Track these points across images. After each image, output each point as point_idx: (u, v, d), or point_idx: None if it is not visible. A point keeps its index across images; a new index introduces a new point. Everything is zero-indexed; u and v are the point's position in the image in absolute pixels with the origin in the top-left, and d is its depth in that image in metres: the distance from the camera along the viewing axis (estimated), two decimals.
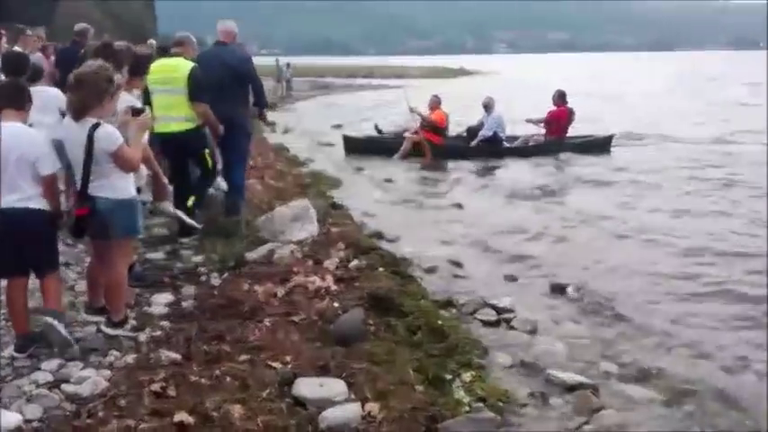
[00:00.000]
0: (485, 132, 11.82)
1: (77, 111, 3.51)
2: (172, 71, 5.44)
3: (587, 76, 44.89)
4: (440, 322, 3.99)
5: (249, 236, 5.68)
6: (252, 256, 5.21)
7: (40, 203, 3.45)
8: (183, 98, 5.39)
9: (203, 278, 4.90)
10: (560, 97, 12.28)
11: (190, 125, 5.46)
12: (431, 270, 5.50)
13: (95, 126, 3.47)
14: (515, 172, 10.76)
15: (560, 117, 12.17)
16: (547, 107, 12.52)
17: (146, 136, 4.33)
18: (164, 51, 6.34)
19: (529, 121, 12.54)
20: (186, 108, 5.42)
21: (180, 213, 5.40)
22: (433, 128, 11.62)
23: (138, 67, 4.80)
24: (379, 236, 6.41)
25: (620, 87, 32.17)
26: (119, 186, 3.60)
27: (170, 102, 5.42)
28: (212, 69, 5.70)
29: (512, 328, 4.35)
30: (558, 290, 5.12)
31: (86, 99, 3.49)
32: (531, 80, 38.01)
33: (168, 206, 5.32)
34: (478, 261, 5.96)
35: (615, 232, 6.95)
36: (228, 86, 5.95)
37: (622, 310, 4.71)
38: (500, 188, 9.54)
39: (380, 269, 4.98)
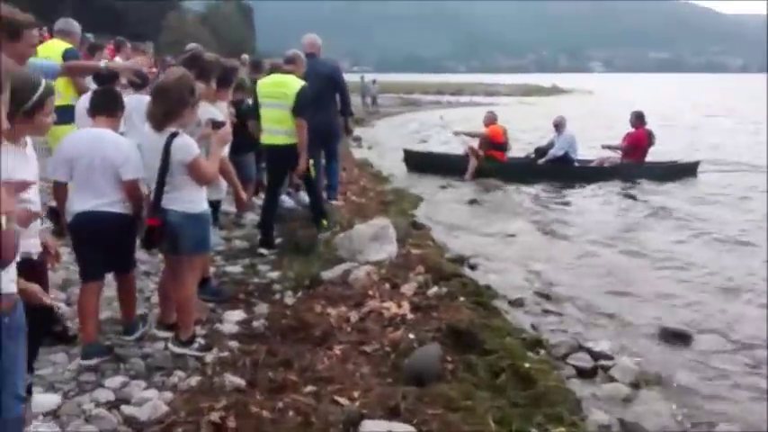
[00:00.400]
0: (555, 152, 11.26)
1: (158, 120, 3.44)
2: (283, 87, 5.67)
3: (683, 97, 42.28)
4: (527, 365, 3.56)
5: (326, 254, 5.49)
6: (327, 275, 5.00)
7: (122, 208, 3.49)
8: (288, 114, 5.62)
9: (277, 296, 4.74)
10: (638, 119, 11.52)
11: (292, 140, 5.66)
12: (517, 303, 5.06)
13: (173, 135, 3.39)
14: (596, 197, 10.10)
15: (640, 140, 11.36)
16: (626, 129, 11.76)
17: (226, 149, 4.24)
18: (257, 67, 6.86)
19: (606, 147, 11.77)
20: (291, 123, 5.63)
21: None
22: (493, 145, 11.22)
23: (226, 79, 4.75)
24: (461, 260, 6.04)
25: (713, 110, 29.92)
26: (191, 199, 3.49)
27: (278, 116, 5.67)
28: (309, 80, 5.95)
29: (610, 378, 3.84)
30: (670, 336, 4.53)
31: (167, 108, 3.43)
32: (626, 100, 36.27)
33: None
34: (571, 296, 5.44)
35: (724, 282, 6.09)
36: (324, 95, 6.58)
37: (746, 366, 4.08)
38: (587, 215, 8.90)
39: (462, 299, 4.61)
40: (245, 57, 14.77)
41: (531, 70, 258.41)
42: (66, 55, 5.33)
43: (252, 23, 76.37)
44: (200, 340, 3.74)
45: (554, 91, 53.25)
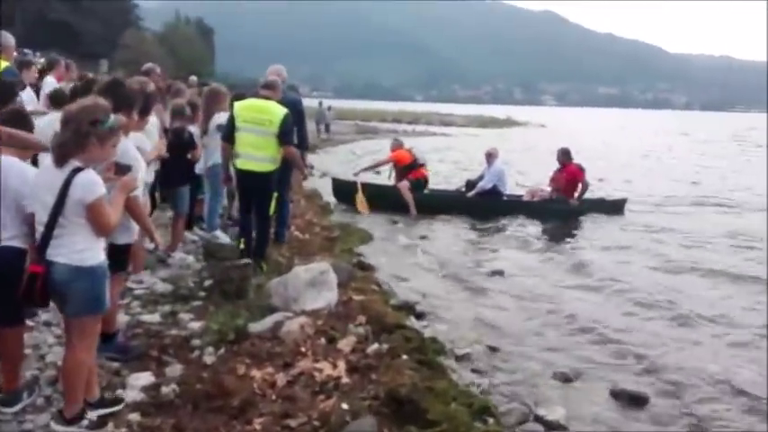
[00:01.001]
0: (484, 185, 11.08)
1: (58, 155, 2.91)
2: (266, 113, 5.61)
3: (630, 133, 43.61)
4: None
5: (258, 301, 4.96)
6: (256, 327, 4.47)
7: (23, 243, 3.10)
8: (272, 140, 5.58)
9: (196, 353, 4.18)
10: (565, 155, 11.45)
11: (272, 167, 5.66)
12: (465, 358, 4.63)
13: (76, 171, 2.87)
14: (530, 234, 9.94)
15: (576, 176, 11.26)
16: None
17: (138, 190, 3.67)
18: (239, 97, 6.42)
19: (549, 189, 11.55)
20: (274, 150, 5.62)
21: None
22: (406, 168, 11.08)
23: (147, 107, 4.24)
24: (408, 308, 5.58)
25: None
26: (82, 249, 2.94)
27: (258, 142, 5.60)
28: None
29: None
30: (626, 398, 4.17)
31: (64, 140, 2.91)
32: (577, 134, 37.16)
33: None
34: (522, 348, 5.04)
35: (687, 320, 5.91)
36: None
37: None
38: (527, 253, 8.69)
39: (404, 356, 4.15)
40: (194, 78, 14.17)
41: (486, 101, 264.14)
42: (4, 74, 4.91)
43: (212, 45, 75.54)
44: (92, 416, 3.15)
45: (509, 123, 54.03)
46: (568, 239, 9.66)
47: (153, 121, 5.30)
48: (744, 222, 11.60)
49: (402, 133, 36.84)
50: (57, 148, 2.92)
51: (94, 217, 2.92)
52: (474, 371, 4.42)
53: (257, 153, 5.61)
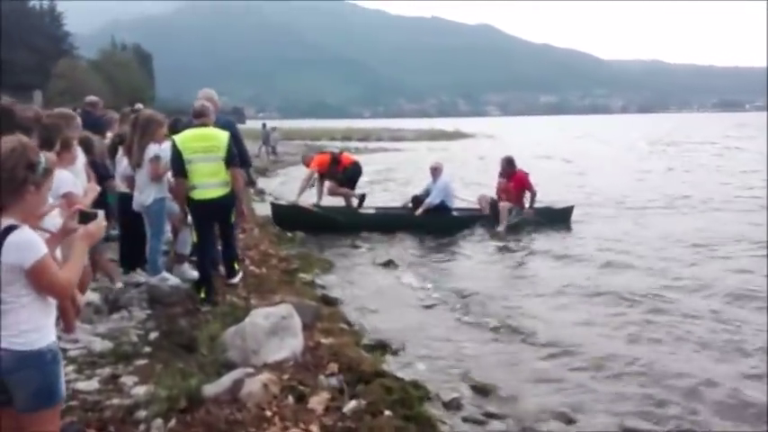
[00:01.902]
0: (432, 200, 10.76)
1: None
2: (212, 140, 5.67)
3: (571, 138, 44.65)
4: None
5: (212, 356, 4.33)
6: (211, 390, 3.83)
7: None
8: (221, 165, 5.65)
9: (142, 427, 3.54)
10: (509, 164, 11.27)
11: (227, 190, 5.72)
12: (453, 405, 4.11)
13: (8, 230, 2.25)
14: (486, 250, 9.65)
15: (524, 183, 11.08)
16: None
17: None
18: (175, 125, 6.55)
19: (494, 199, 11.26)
20: (224, 174, 5.67)
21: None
22: (331, 165, 11.00)
23: (68, 142, 3.59)
24: (382, 347, 5.05)
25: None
26: (27, 330, 2.31)
27: (212, 169, 5.64)
28: None
29: None
30: None
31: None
32: (526, 143, 37.66)
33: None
34: (511, 383, 4.57)
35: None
36: None
37: None
38: (515, 268, 8.37)
39: (387, 412, 3.61)
40: (140, 106, 13.40)
41: (432, 115, 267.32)
42: None
43: (151, 71, 73.56)
44: None
45: (457, 135, 54.43)
46: (530, 253, 9.38)
47: (80, 157, 4.66)
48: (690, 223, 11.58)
49: (354, 151, 36.52)
50: None
51: (40, 282, 2.30)
52: (466, 420, 3.92)
53: (212, 180, 5.66)
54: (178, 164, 5.62)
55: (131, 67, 62.52)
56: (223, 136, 5.68)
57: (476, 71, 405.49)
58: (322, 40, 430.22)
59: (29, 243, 2.27)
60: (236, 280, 6.18)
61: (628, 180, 18.37)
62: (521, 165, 11.50)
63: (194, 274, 6.12)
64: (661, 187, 16.52)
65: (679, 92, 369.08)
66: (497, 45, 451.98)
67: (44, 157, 2.48)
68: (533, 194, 11.17)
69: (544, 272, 8.12)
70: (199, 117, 5.82)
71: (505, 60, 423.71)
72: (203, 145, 5.63)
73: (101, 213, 2.66)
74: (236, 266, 6.23)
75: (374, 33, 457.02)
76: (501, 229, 10.56)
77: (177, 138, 5.72)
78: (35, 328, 2.34)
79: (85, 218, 2.57)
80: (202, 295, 5.67)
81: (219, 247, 6.31)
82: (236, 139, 6.39)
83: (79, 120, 5.46)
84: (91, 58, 62.29)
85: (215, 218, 5.85)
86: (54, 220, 2.76)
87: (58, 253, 2.73)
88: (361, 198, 11.42)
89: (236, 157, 5.76)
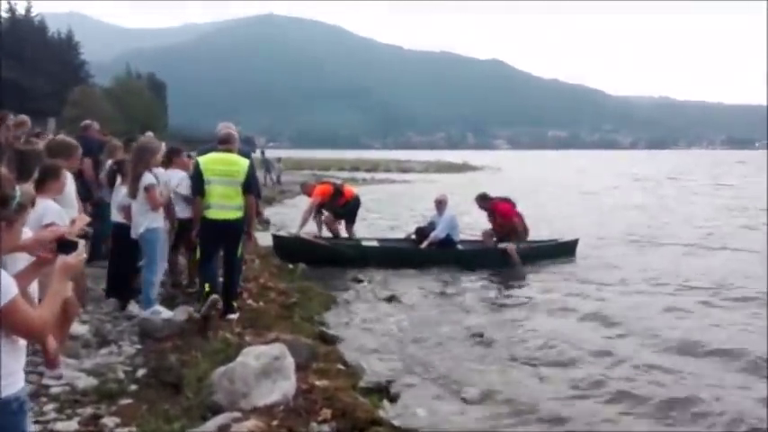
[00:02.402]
0: (438, 234, 10.52)
1: None
2: (234, 165, 5.99)
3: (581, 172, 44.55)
4: None
5: (198, 398, 4.10)
6: None
7: None
8: (238, 189, 5.97)
9: None
10: (483, 199, 11.10)
11: (240, 214, 6.02)
12: None
13: None
14: (494, 286, 9.48)
15: (507, 212, 10.85)
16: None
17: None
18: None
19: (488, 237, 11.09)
20: (240, 198, 5.98)
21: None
22: (333, 196, 10.81)
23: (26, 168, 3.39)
24: (381, 391, 4.79)
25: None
26: None
27: (228, 192, 5.95)
28: None
29: None
30: None
31: None
32: (534, 177, 37.54)
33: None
34: None
35: None
36: None
37: None
38: (524, 306, 8.09)
39: None
40: (150, 134, 13.41)
41: (441, 147, 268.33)
42: None
43: (164, 99, 74.49)
44: None
45: (465, 168, 54.38)
46: (538, 289, 9.17)
47: (70, 186, 4.52)
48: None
49: (362, 182, 36.50)
50: None
51: (11, 325, 2.08)
52: None
53: (229, 202, 5.94)
54: (198, 183, 6.00)
55: (144, 95, 63.36)
56: (244, 163, 6.05)
57: (485, 105, 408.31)
58: (337, 71, 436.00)
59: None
60: (233, 317, 6.00)
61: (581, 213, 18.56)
62: (521, 196, 11.40)
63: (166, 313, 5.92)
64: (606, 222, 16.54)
65: (688, 128, 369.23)
66: (507, 79, 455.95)
67: (20, 191, 2.28)
68: (521, 221, 10.92)
69: (550, 308, 7.89)
70: (224, 143, 6.13)
71: (515, 94, 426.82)
72: (224, 169, 5.96)
73: (81, 243, 2.45)
74: (235, 304, 6.16)
75: (387, 67, 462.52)
76: (517, 266, 10.35)
77: (201, 159, 6.09)
78: (1, 375, 2.14)
79: (65, 247, 2.37)
80: (207, 289, 5.90)
81: (221, 279, 6.22)
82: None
83: (80, 150, 5.35)
84: (105, 86, 63.27)
85: (223, 239, 6.06)
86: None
87: (34, 286, 2.55)
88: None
89: (253, 184, 6.24)
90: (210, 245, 6.08)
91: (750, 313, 7.63)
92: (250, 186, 6.07)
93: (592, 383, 5.21)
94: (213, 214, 5.97)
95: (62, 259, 2.31)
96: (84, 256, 2.44)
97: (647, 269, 10.36)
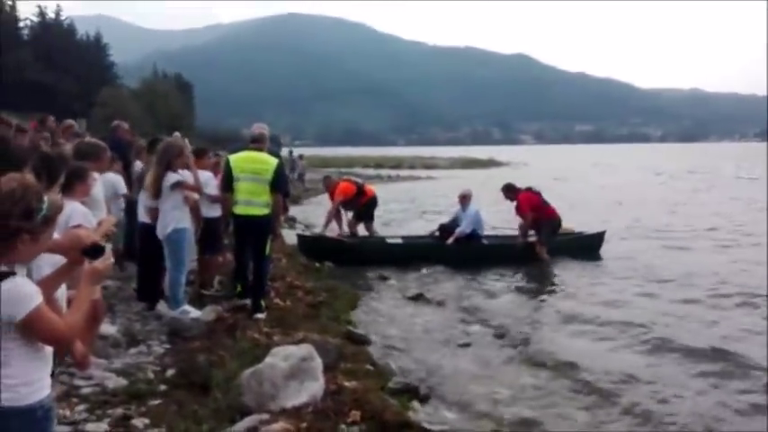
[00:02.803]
0: (464, 229, 10.38)
1: None
2: (263, 163, 6.16)
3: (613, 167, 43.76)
4: None
5: (226, 398, 4.08)
6: None
7: None
8: (266, 187, 6.11)
9: None
10: (509, 190, 10.90)
11: (268, 210, 6.17)
12: None
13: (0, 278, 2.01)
14: (526, 284, 9.34)
15: (532, 201, 10.60)
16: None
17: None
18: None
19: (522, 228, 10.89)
20: (268, 196, 6.13)
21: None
22: (356, 194, 10.84)
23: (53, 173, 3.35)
24: (410, 392, 4.71)
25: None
26: (16, 385, 2.06)
27: (257, 189, 6.12)
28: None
29: None
30: None
31: None
32: (561, 171, 37.03)
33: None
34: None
35: None
36: None
37: None
38: (552, 303, 7.97)
39: None
40: (177, 134, 13.55)
41: (466, 143, 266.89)
42: None
43: (191, 100, 75.28)
44: None
45: (491, 163, 53.95)
46: (566, 285, 9.05)
47: (98, 188, 4.53)
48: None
49: (387, 179, 36.45)
50: None
51: (36, 333, 2.06)
52: None
53: (256, 199, 6.10)
54: (227, 180, 6.22)
55: (171, 95, 64.09)
56: (273, 161, 6.21)
57: (510, 100, 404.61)
58: (360, 68, 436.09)
59: (22, 295, 2.01)
60: (260, 316, 6.02)
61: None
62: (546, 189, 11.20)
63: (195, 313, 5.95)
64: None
65: (720, 121, 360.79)
66: (532, 74, 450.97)
67: (47, 202, 2.18)
68: (550, 211, 10.69)
69: (582, 307, 7.73)
70: (255, 142, 6.37)
71: (540, 89, 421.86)
72: (253, 167, 6.14)
73: (108, 248, 2.41)
74: (263, 303, 6.22)
75: (412, 63, 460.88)
76: (545, 261, 10.23)
77: (231, 157, 6.34)
78: (26, 381, 2.09)
79: (93, 252, 2.33)
80: (239, 289, 6.35)
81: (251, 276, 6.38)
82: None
83: (108, 153, 5.37)
84: (133, 87, 64.22)
85: (251, 234, 6.24)
86: (53, 258, 2.56)
87: (62, 291, 2.52)
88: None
89: (282, 183, 6.42)
90: (241, 238, 6.42)
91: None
92: (278, 185, 6.20)
93: (623, 390, 5.05)
94: (240, 210, 6.18)
95: (90, 265, 2.28)
96: (112, 260, 2.41)
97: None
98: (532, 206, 10.57)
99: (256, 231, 6.22)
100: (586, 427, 4.39)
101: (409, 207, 19.73)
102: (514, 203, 10.85)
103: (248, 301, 6.21)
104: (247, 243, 6.36)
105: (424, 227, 12.83)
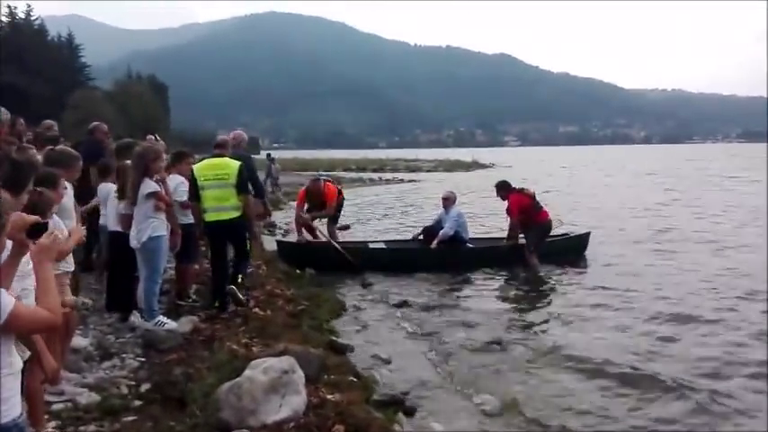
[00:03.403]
0: (447, 231, 10.21)
1: None
2: (224, 168, 6.39)
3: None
4: None
5: (204, 415, 3.91)
6: None
7: None
8: (232, 191, 6.32)
9: None
10: (503, 188, 10.68)
11: (238, 213, 6.36)
12: None
13: None
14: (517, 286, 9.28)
15: (522, 203, 10.35)
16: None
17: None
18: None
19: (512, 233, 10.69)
20: (235, 199, 6.33)
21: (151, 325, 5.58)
22: (310, 206, 10.42)
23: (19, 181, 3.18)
24: (396, 404, 4.58)
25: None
26: None
27: (223, 194, 6.33)
28: None
29: None
30: None
31: None
32: (544, 172, 37.12)
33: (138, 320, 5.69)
34: None
35: None
36: None
37: None
38: (544, 308, 7.89)
39: None
40: (151, 137, 13.24)
41: (449, 145, 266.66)
42: None
43: (166, 102, 74.24)
44: None
45: (475, 165, 53.81)
46: (555, 289, 8.98)
47: (68, 197, 4.35)
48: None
49: (369, 182, 36.24)
50: None
51: (22, 330, 2.11)
52: None
53: (224, 204, 6.28)
54: (193, 189, 6.37)
55: (145, 97, 63.07)
56: (234, 165, 6.37)
57: (494, 101, 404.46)
58: (340, 69, 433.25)
59: None
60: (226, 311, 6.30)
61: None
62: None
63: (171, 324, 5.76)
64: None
65: (703, 122, 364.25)
66: (516, 74, 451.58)
67: (5, 205, 2.17)
68: (542, 214, 10.51)
69: (572, 310, 7.64)
70: (217, 147, 6.68)
71: (524, 90, 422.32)
72: (216, 173, 6.36)
73: (50, 222, 2.53)
74: (239, 290, 6.46)
75: (393, 63, 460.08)
76: (534, 264, 10.07)
77: (195, 166, 6.53)
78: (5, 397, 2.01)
79: (35, 232, 2.26)
80: (216, 305, 6.34)
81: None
82: (249, 171, 7.13)
83: (80, 162, 5.16)
84: (106, 89, 63.08)
85: (228, 237, 6.47)
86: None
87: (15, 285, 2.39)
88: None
89: (245, 184, 6.45)
90: (215, 245, 6.60)
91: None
92: (243, 186, 6.37)
93: (618, 394, 4.98)
94: (211, 217, 6.39)
95: (36, 244, 2.24)
96: (56, 233, 2.33)
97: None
98: (522, 208, 10.39)
99: (232, 234, 6.43)
100: None
101: (391, 211, 19.62)
102: (505, 202, 10.71)
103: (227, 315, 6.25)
104: (224, 248, 6.51)
105: (406, 230, 12.69)
